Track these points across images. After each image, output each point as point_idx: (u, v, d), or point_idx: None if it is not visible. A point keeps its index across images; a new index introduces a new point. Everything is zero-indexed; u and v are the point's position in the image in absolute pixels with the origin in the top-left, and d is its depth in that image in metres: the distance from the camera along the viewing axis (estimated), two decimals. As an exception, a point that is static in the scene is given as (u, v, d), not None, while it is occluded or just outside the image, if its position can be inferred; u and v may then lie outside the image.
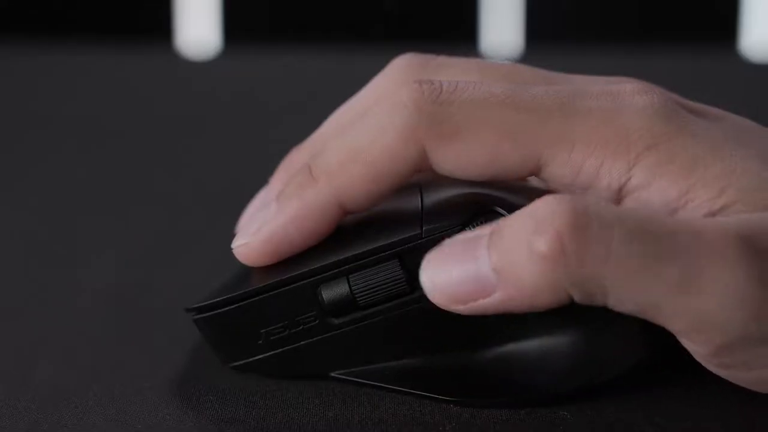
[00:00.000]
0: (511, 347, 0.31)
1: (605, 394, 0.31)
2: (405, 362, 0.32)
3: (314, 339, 0.32)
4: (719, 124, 0.31)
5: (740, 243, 0.28)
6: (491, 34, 1.03)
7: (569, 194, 0.28)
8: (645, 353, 0.31)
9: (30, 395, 0.32)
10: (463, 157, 0.30)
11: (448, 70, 0.34)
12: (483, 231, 0.29)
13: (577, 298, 0.28)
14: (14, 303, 0.39)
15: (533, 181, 0.34)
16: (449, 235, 0.30)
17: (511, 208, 0.31)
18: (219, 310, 0.32)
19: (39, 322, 0.37)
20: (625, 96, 0.30)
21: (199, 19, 1.03)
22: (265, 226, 0.31)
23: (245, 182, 0.39)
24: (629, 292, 0.28)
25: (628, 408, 0.31)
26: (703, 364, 0.29)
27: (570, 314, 0.31)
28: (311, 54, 0.72)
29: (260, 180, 0.36)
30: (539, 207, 0.28)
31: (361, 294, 0.31)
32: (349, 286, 0.31)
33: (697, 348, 0.29)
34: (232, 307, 0.32)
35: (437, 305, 0.29)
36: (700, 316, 0.28)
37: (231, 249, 0.32)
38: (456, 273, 0.29)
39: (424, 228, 0.31)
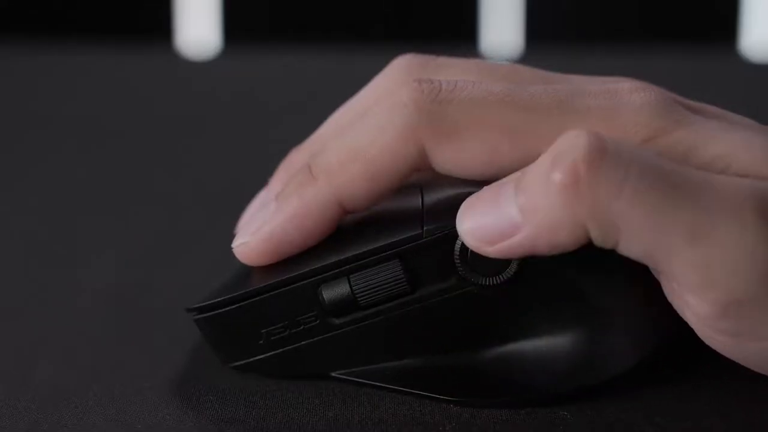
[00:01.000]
0: (511, 347, 0.31)
1: (605, 394, 0.31)
2: (405, 362, 0.32)
3: (315, 339, 0.32)
4: (717, 120, 0.31)
5: (754, 204, 0.28)
6: (491, 34, 1.03)
7: (585, 130, 0.28)
8: (645, 353, 0.31)
9: (30, 395, 0.32)
10: (463, 156, 0.30)
11: (447, 70, 0.34)
12: (514, 175, 0.29)
13: (593, 235, 0.28)
14: (14, 303, 0.39)
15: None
16: (450, 235, 0.30)
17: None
18: (219, 310, 0.32)
19: (39, 322, 0.37)
20: (623, 94, 0.31)
21: (199, 19, 1.03)
22: (264, 225, 0.32)
23: (245, 182, 0.39)
24: (640, 234, 0.28)
25: (628, 408, 0.31)
26: (708, 337, 0.29)
27: (570, 314, 0.31)
28: (311, 54, 0.72)
29: (260, 180, 0.36)
30: (559, 142, 0.28)
31: (362, 294, 0.31)
32: (350, 286, 0.31)
33: (702, 308, 0.28)
34: (233, 307, 0.32)
35: (469, 247, 0.30)
36: (709, 269, 0.28)
37: (231, 249, 0.32)
38: (486, 214, 0.29)
39: (424, 228, 0.31)
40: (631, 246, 0.28)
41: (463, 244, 0.31)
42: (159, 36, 1.02)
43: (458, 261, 0.31)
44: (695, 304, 0.28)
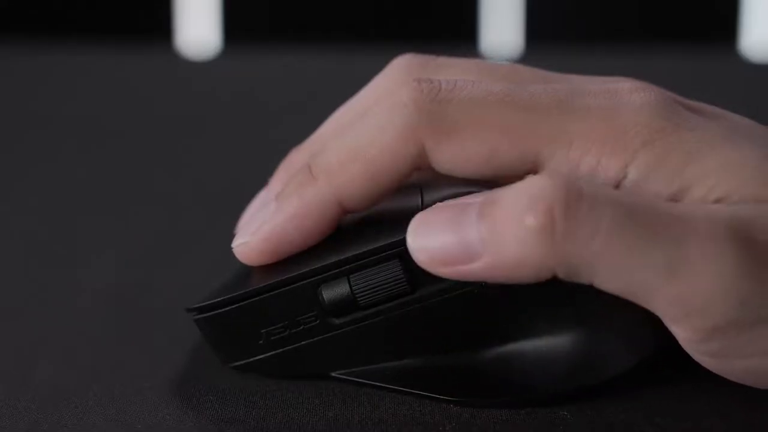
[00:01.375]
0: (511, 347, 0.31)
1: (605, 394, 0.31)
2: (405, 362, 0.32)
3: (315, 339, 0.32)
4: (717, 122, 0.31)
5: (730, 230, 0.28)
6: (491, 34, 1.03)
7: (566, 173, 0.29)
8: (645, 353, 0.31)
9: (30, 395, 0.32)
10: (462, 155, 0.30)
11: (447, 70, 0.34)
12: (475, 198, 0.29)
13: (561, 275, 0.28)
14: (14, 303, 0.39)
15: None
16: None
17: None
18: (220, 310, 0.32)
19: (39, 322, 0.37)
20: (622, 94, 0.31)
21: (199, 19, 1.03)
22: (264, 225, 0.32)
23: (245, 182, 0.39)
24: (616, 273, 0.28)
25: (628, 408, 0.31)
26: (695, 356, 0.29)
27: (570, 314, 0.31)
28: (311, 54, 0.72)
29: (260, 180, 0.36)
30: (534, 182, 0.28)
31: (362, 294, 0.31)
32: (350, 286, 0.31)
33: (685, 334, 0.29)
34: (233, 307, 0.32)
35: (420, 265, 0.30)
36: (687, 301, 0.28)
37: (231, 249, 0.32)
38: (443, 236, 0.29)
39: (424, 228, 0.31)
40: (607, 284, 0.28)
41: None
42: (159, 36, 1.02)
43: (458, 261, 0.31)
44: (678, 331, 0.29)
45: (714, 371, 0.30)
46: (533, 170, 0.30)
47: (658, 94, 0.31)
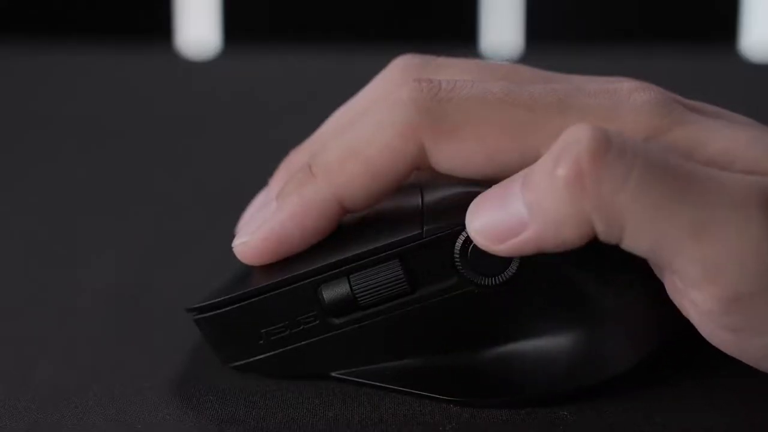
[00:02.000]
0: (511, 347, 0.31)
1: (605, 394, 0.31)
2: (405, 362, 0.32)
3: (315, 339, 0.32)
4: (719, 123, 0.31)
5: (759, 200, 0.28)
6: (491, 34, 1.03)
7: (590, 124, 0.28)
8: (645, 353, 0.31)
9: (30, 395, 0.32)
10: (462, 155, 0.30)
11: (447, 70, 0.34)
12: (522, 172, 0.29)
13: (599, 230, 0.28)
14: (14, 303, 0.39)
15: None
16: (450, 235, 0.31)
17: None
18: (220, 310, 0.32)
19: (39, 322, 0.37)
20: (623, 94, 0.31)
21: (199, 19, 1.03)
22: (264, 224, 0.32)
23: (245, 182, 0.39)
24: (644, 229, 0.28)
25: (628, 408, 0.31)
26: (713, 334, 0.29)
27: (570, 314, 0.31)
28: (311, 54, 0.72)
29: (260, 180, 0.36)
30: (563, 137, 0.28)
31: (362, 294, 0.31)
32: (350, 286, 0.31)
33: (705, 304, 0.28)
34: (233, 307, 0.32)
35: (481, 248, 0.30)
36: (712, 264, 0.28)
37: (231, 249, 0.32)
38: (494, 212, 0.29)
39: (424, 228, 0.31)
40: (636, 241, 0.28)
41: (463, 243, 0.31)
42: (159, 36, 1.02)
43: (458, 261, 0.31)
44: (699, 299, 0.28)
45: (730, 352, 0.29)
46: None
47: (658, 94, 0.31)
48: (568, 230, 0.28)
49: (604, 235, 0.28)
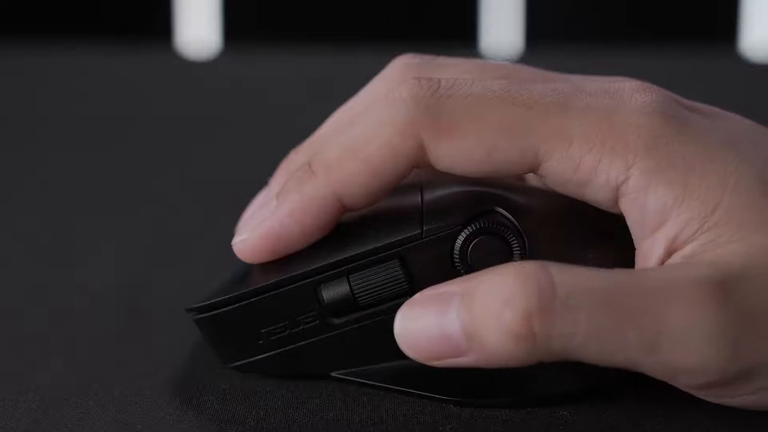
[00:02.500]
0: (511, 347, 0.31)
1: (605, 394, 0.31)
2: (405, 362, 0.32)
3: (314, 339, 0.32)
4: (718, 124, 0.31)
5: (708, 290, 0.28)
6: (491, 34, 1.03)
7: (537, 264, 0.28)
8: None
9: (30, 395, 0.32)
10: (461, 152, 0.30)
11: (447, 70, 0.34)
12: (454, 288, 0.29)
13: (546, 360, 0.29)
14: (14, 303, 0.39)
15: (531, 180, 0.34)
16: (449, 235, 0.30)
17: (512, 208, 0.31)
18: (219, 310, 0.32)
19: (39, 322, 0.37)
20: (624, 94, 0.30)
21: (199, 19, 1.03)
22: (263, 221, 0.31)
23: (245, 182, 0.39)
24: (602, 357, 0.28)
25: (629, 408, 0.31)
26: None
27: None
28: (311, 54, 0.72)
29: (260, 180, 0.36)
30: (508, 281, 0.28)
31: (362, 294, 0.31)
32: (350, 286, 0.31)
33: (680, 386, 0.30)
34: (233, 307, 0.32)
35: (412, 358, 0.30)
36: (675, 367, 0.28)
37: (231, 248, 0.32)
38: (428, 333, 0.29)
39: (424, 228, 0.31)
40: (595, 363, 0.29)
41: (462, 243, 0.31)
42: (159, 36, 1.02)
43: (458, 260, 0.31)
44: (675, 385, 0.29)
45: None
46: (533, 168, 0.30)
47: (659, 95, 0.31)
48: (514, 364, 0.29)
49: (553, 360, 0.29)
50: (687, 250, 0.29)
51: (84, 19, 1.03)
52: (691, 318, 0.28)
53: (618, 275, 0.29)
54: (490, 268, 0.29)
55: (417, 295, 0.30)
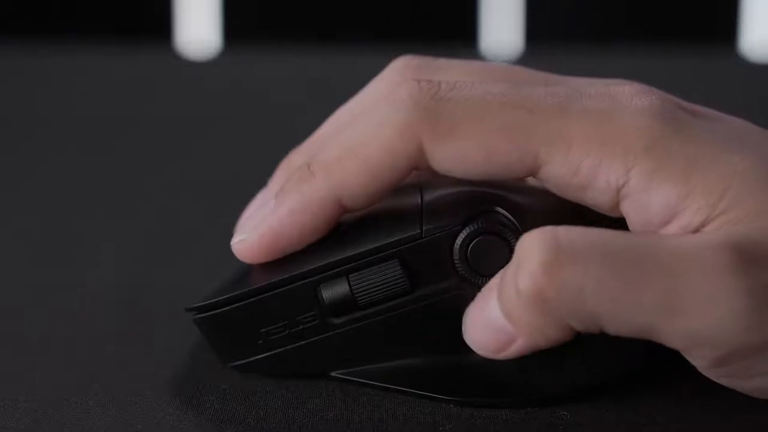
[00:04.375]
0: (511, 347, 0.31)
1: (605, 394, 0.31)
2: (405, 362, 0.32)
3: (314, 339, 0.32)
4: (718, 127, 0.31)
5: (728, 256, 0.28)
6: (491, 35, 1.03)
7: (546, 228, 0.29)
8: (646, 354, 0.31)
9: (30, 395, 0.32)
10: (460, 155, 0.30)
11: (446, 71, 0.34)
12: (495, 279, 0.30)
13: (578, 328, 0.29)
14: (14, 303, 0.39)
15: (531, 181, 0.34)
16: (449, 235, 0.31)
17: (512, 208, 0.31)
18: (219, 310, 0.32)
19: (39, 322, 0.37)
20: (623, 97, 0.30)
21: (199, 19, 1.03)
22: (263, 222, 0.32)
23: (245, 182, 0.39)
24: (619, 318, 0.28)
25: (629, 408, 0.31)
26: (704, 374, 0.30)
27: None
28: (311, 54, 0.72)
29: (260, 180, 0.36)
30: (518, 251, 0.29)
31: (361, 293, 0.31)
32: (349, 286, 0.31)
33: (695, 362, 0.29)
34: (232, 306, 0.32)
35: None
36: (693, 334, 0.28)
37: (230, 248, 0.32)
38: (482, 328, 0.30)
39: (424, 227, 0.31)
40: (616, 329, 0.29)
41: (462, 243, 0.31)
42: (159, 36, 1.02)
43: (457, 260, 0.31)
44: (689, 359, 0.29)
45: (727, 386, 0.30)
46: (532, 171, 0.30)
47: (658, 98, 0.31)
48: (553, 333, 0.29)
49: (585, 330, 0.29)
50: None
51: (84, 19, 1.03)
52: (712, 281, 0.28)
53: (632, 235, 0.29)
54: None
55: (472, 306, 0.30)
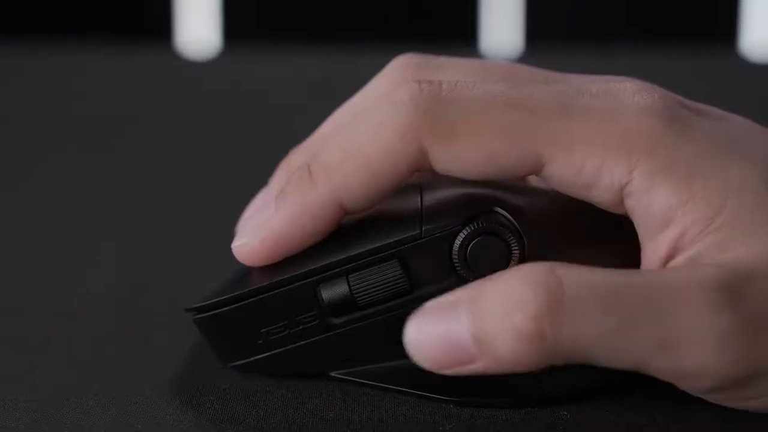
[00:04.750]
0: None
1: (605, 394, 0.31)
2: (405, 362, 0.32)
3: (314, 339, 0.32)
4: (720, 126, 0.31)
5: (716, 295, 0.28)
6: (491, 34, 1.03)
7: (545, 266, 0.28)
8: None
9: (30, 395, 0.32)
10: (462, 156, 0.30)
11: (447, 70, 0.34)
12: (463, 295, 0.29)
13: (560, 363, 0.29)
14: (14, 303, 0.39)
15: (532, 180, 0.34)
16: (449, 235, 0.30)
17: (512, 209, 0.31)
18: (219, 310, 0.32)
19: (39, 322, 0.37)
20: (625, 95, 0.30)
21: (199, 19, 1.03)
22: (264, 225, 0.31)
23: (245, 182, 0.39)
24: (611, 357, 0.28)
25: (629, 408, 0.31)
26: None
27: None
28: (311, 54, 0.72)
29: (260, 180, 0.36)
30: (516, 284, 0.28)
31: (361, 294, 0.31)
32: (349, 286, 0.31)
33: (687, 389, 0.30)
34: (232, 306, 0.32)
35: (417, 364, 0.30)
36: (683, 369, 0.28)
37: (230, 249, 0.32)
38: (437, 341, 0.29)
39: (423, 228, 0.31)
40: (605, 364, 0.29)
41: (461, 244, 0.31)
42: (159, 36, 1.02)
43: (457, 261, 0.31)
44: (680, 387, 0.29)
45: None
46: (535, 171, 0.30)
47: (661, 96, 0.30)
48: (523, 367, 0.29)
49: (568, 363, 0.29)
50: (693, 251, 0.29)
51: (84, 19, 1.03)
52: (699, 320, 0.28)
53: (626, 275, 0.29)
54: (497, 273, 0.29)
55: (427, 304, 0.29)
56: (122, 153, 0.56)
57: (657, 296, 0.28)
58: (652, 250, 0.30)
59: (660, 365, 0.28)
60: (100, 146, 0.57)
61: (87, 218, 0.47)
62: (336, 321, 0.31)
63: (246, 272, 0.32)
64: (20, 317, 0.37)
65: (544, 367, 0.28)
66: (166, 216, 0.48)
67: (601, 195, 0.30)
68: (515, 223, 0.31)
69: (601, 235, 0.32)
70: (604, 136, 0.30)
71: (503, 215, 0.31)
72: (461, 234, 0.31)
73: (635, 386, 0.31)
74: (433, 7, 1.06)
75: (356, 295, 0.31)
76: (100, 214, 0.48)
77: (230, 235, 0.33)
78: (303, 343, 0.32)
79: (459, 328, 0.29)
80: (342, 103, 0.36)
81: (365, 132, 0.31)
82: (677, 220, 0.29)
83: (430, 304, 0.29)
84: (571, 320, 0.28)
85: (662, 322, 0.28)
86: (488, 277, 0.29)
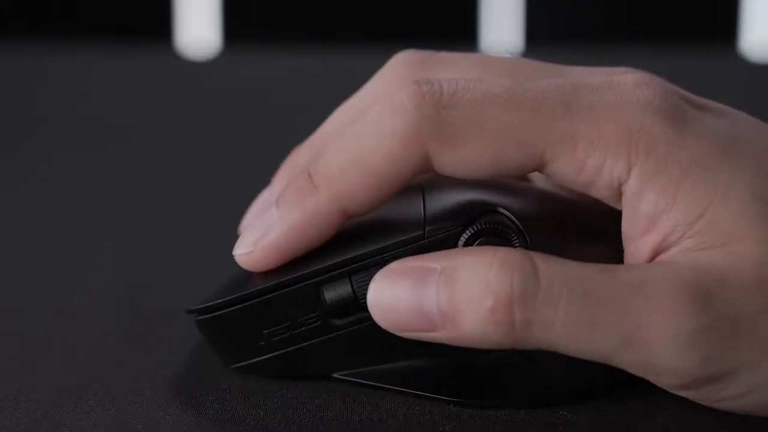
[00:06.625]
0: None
1: (605, 394, 0.31)
2: (406, 362, 0.32)
3: (316, 340, 0.32)
4: (719, 123, 0.31)
5: (687, 296, 0.28)
6: (491, 34, 1.03)
7: (522, 253, 0.29)
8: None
9: (30, 395, 0.32)
10: (466, 160, 0.30)
11: (447, 66, 0.34)
12: (433, 264, 0.29)
13: (527, 348, 0.29)
14: (14, 303, 0.39)
15: (535, 179, 0.34)
16: (451, 236, 0.30)
17: (514, 208, 0.31)
18: (221, 312, 0.32)
19: (39, 322, 0.37)
20: (626, 88, 0.30)
21: (199, 19, 1.03)
22: (267, 235, 0.31)
23: (245, 182, 0.39)
24: (579, 349, 0.29)
25: (629, 408, 0.31)
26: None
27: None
28: (311, 54, 0.72)
29: (260, 180, 0.36)
30: (493, 266, 0.29)
31: (364, 295, 0.31)
32: (352, 287, 0.31)
33: (660, 385, 0.30)
34: (234, 308, 0.32)
35: (377, 322, 0.30)
36: (650, 366, 0.29)
37: (232, 251, 0.32)
38: (403, 303, 0.30)
39: (426, 228, 0.31)
40: (573, 353, 0.29)
41: (464, 244, 0.31)
42: (159, 36, 1.02)
43: (459, 261, 0.31)
44: (652, 381, 0.30)
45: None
46: (538, 168, 0.30)
47: (661, 90, 0.30)
48: (484, 346, 0.29)
49: (535, 348, 0.29)
50: (668, 253, 0.30)
51: (84, 19, 1.03)
52: (667, 318, 0.28)
53: (600, 270, 0.29)
54: (471, 248, 0.30)
55: (394, 263, 0.30)
56: (122, 153, 0.56)
57: (628, 292, 0.28)
58: (634, 252, 0.30)
59: (628, 360, 0.29)
60: (100, 146, 0.57)
61: (87, 218, 0.47)
62: (339, 322, 0.31)
63: (248, 273, 0.32)
64: (20, 317, 0.37)
65: (506, 348, 0.29)
66: (166, 216, 0.48)
67: (601, 191, 0.30)
68: (518, 223, 0.31)
69: (602, 235, 0.32)
70: (605, 134, 0.30)
71: (506, 215, 0.31)
72: (464, 234, 0.31)
73: (635, 386, 0.31)
74: (433, 7, 1.06)
75: (359, 296, 0.31)
76: (100, 214, 0.48)
77: (230, 235, 0.33)
78: (306, 344, 0.32)
79: (428, 297, 0.29)
80: (342, 103, 0.36)
81: (367, 139, 0.30)
82: (660, 225, 0.29)
83: (396, 265, 0.30)
84: (541, 309, 0.28)
85: (631, 318, 0.28)
86: (463, 250, 0.30)
